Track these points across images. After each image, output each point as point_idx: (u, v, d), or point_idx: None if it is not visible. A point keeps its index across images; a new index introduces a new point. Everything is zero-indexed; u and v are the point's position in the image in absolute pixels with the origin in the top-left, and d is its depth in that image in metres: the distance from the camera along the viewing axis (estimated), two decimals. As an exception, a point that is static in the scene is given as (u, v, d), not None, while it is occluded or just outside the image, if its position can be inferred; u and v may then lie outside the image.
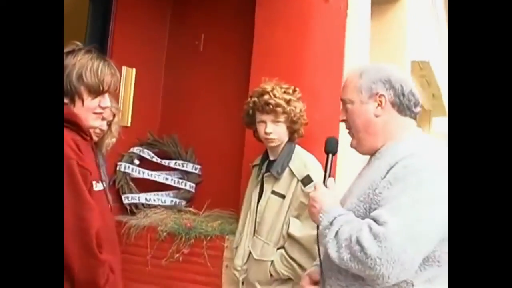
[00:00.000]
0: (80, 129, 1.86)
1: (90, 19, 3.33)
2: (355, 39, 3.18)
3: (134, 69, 3.52)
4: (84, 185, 1.76)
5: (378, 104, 1.72)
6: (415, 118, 1.77)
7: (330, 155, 1.83)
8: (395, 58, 4.44)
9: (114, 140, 2.83)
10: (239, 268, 2.61)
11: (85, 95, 1.86)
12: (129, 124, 3.54)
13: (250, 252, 2.56)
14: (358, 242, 1.48)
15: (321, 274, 1.76)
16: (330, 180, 1.77)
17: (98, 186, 1.88)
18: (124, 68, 3.44)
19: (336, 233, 1.57)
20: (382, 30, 4.11)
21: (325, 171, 1.80)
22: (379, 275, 1.46)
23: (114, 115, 2.77)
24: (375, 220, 1.50)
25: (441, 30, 9.11)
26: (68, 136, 1.77)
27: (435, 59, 7.90)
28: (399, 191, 1.52)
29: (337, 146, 1.87)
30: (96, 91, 1.87)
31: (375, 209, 1.56)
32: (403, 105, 1.72)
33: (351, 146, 1.81)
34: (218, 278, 2.94)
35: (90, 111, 1.89)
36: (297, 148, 2.61)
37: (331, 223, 1.60)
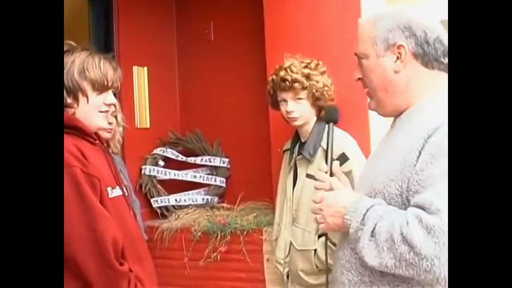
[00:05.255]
0: (84, 133, 1.73)
1: (91, 22, 3.21)
2: (375, 2, 2.96)
3: (145, 68, 3.38)
4: (93, 193, 1.63)
5: (397, 57, 1.41)
6: (446, 71, 1.43)
7: (331, 124, 1.62)
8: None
9: (121, 129, 2.68)
10: (281, 261, 2.46)
11: (89, 91, 1.74)
12: (148, 126, 3.42)
13: (291, 243, 2.39)
14: (406, 240, 1.19)
15: (334, 268, 1.50)
16: (335, 164, 1.54)
17: (114, 192, 1.75)
18: (134, 68, 3.31)
19: (372, 233, 1.27)
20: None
21: (327, 145, 1.57)
22: (439, 278, 1.18)
23: (113, 105, 2.62)
24: (422, 208, 1.20)
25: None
26: (69, 142, 1.64)
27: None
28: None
29: (337, 114, 1.70)
30: (100, 86, 1.75)
31: (416, 191, 1.26)
32: (429, 56, 1.41)
33: (370, 107, 1.53)
34: (260, 273, 2.80)
35: (95, 109, 1.77)
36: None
37: (362, 222, 1.30)
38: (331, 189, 1.46)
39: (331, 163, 1.54)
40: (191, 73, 3.61)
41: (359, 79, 1.52)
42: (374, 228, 1.27)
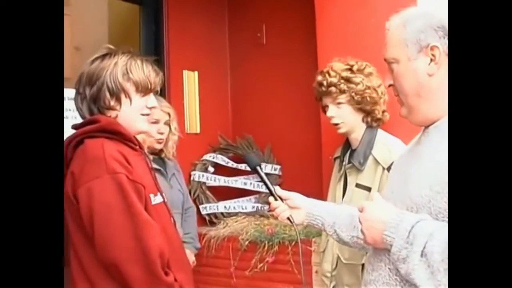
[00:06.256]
0: (125, 138, 1.69)
1: (141, 26, 3.19)
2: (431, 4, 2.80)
3: (196, 72, 3.34)
4: (139, 200, 1.58)
5: (431, 59, 1.32)
6: None
7: (258, 168, 1.79)
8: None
9: (176, 138, 2.67)
10: (328, 274, 2.34)
11: (133, 93, 1.71)
12: (198, 131, 3.38)
13: (338, 256, 2.27)
14: None
15: None
16: (277, 188, 1.73)
17: (156, 199, 1.71)
18: (185, 72, 3.28)
19: (422, 253, 1.17)
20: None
21: (266, 185, 1.75)
22: None
23: (168, 114, 2.62)
24: None
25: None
26: (113, 147, 1.60)
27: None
28: None
29: (256, 159, 1.89)
30: (144, 88, 1.72)
31: None
32: None
33: (401, 115, 1.42)
34: (308, 285, 2.67)
35: (138, 112, 1.74)
36: (380, 133, 2.30)
37: (407, 240, 1.19)
38: None
39: (275, 192, 1.74)
40: (242, 77, 3.56)
41: (390, 85, 1.42)
42: (424, 247, 1.16)
